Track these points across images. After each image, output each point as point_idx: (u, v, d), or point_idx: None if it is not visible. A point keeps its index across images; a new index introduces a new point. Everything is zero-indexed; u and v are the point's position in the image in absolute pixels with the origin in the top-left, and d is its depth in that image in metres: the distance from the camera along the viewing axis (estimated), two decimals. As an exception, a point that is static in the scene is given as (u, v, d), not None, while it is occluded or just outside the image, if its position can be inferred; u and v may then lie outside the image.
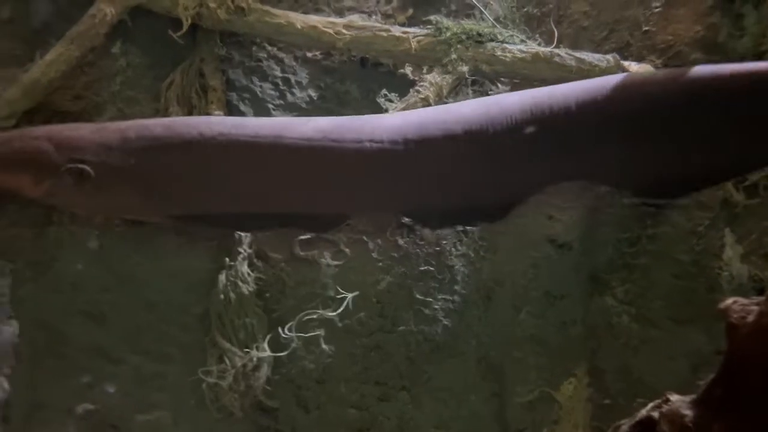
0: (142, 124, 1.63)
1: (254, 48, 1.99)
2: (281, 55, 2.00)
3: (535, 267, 1.71)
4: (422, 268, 1.73)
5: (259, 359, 1.52)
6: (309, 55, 1.98)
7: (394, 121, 1.56)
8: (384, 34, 1.73)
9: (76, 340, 1.62)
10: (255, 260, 1.70)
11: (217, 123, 1.62)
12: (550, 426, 1.61)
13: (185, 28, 1.70)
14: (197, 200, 1.60)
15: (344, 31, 1.74)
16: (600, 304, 1.71)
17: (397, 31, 1.73)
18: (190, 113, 1.83)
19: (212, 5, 1.74)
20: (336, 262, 1.77)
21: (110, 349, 1.62)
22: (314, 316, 1.57)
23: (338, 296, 1.67)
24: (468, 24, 1.70)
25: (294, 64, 2.00)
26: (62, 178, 1.55)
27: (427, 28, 1.76)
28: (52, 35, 1.84)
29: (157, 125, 1.62)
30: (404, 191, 1.57)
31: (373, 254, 1.78)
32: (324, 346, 1.66)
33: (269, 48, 1.99)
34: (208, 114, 1.77)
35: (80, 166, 1.55)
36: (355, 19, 1.75)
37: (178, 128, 1.61)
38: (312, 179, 1.55)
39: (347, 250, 1.79)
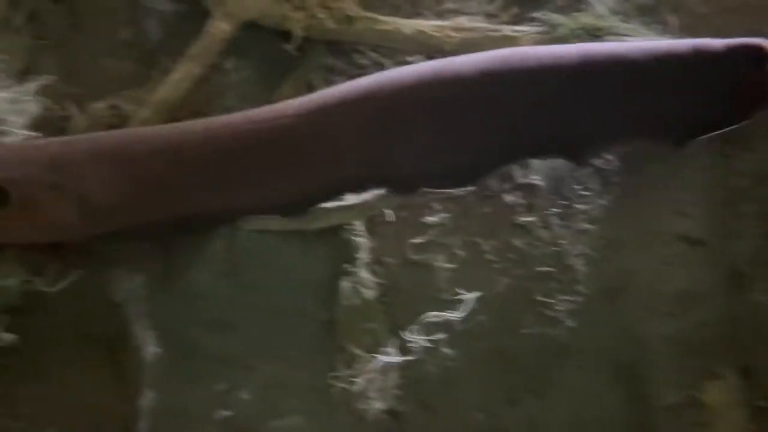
0: (66, 140, 1.57)
1: (356, 55, 2.02)
2: (383, 60, 2.01)
3: (667, 265, 1.67)
4: (541, 269, 1.71)
5: (387, 363, 1.56)
6: (410, 59, 2.02)
7: None
8: (494, 34, 1.72)
9: (207, 348, 1.67)
10: (373, 265, 1.75)
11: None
12: (699, 430, 1.59)
13: (297, 40, 1.75)
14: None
15: (453, 33, 1.74)
16: (745, 301, 1.65)
17: (507, 30, 1.72)
18: (302, 123, 1.90)
19: (320, 16, 1.79)
20: (450, 265, 1.77)
21: (241, 357, 1.67)
22: (437, 319, 1.59)
23: (457, 297, 1.68)
24: (584, 18, 1.66)
25: (395, 69, 2.05)
26: None
27: (538, 26, 1.74)
28: (163, 54, 1.93)
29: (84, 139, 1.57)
30: None
31: (487, 255, 1.78)
32: (445, 350, 1.68)
33: (372, 54, 2.03)
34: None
35: None
36: (463, 21, 1.76)
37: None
38: None
39: (461, 252, 1.80)
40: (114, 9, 1.88)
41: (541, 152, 1.63)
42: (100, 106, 1.66)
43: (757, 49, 1.55)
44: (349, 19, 1.74)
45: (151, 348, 1.64)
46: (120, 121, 1.69)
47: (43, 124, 1.68)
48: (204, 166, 1.57)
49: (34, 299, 1.55)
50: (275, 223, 1.71)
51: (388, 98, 1.58)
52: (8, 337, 1.45)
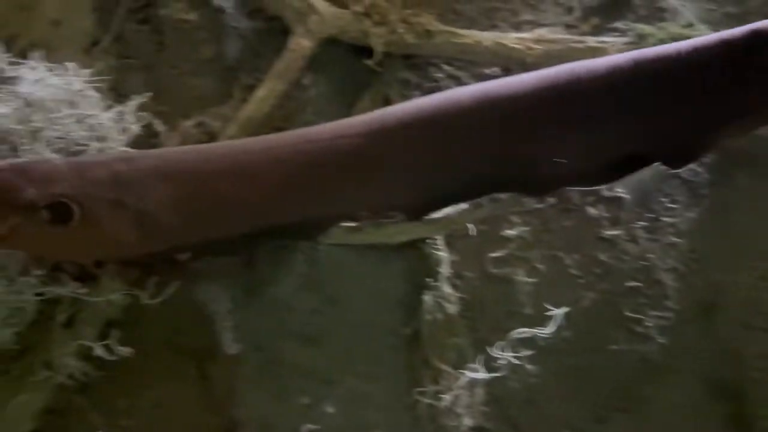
0: (129, 157, 1.55)
1: (431, 69, 2.03)
2: (459, 74, 2.02)
3: (764, 279, 1.63)
4: (628, 284, 1.68)
5: (474, 379, 1.54)
6: (487, 71, 2.02)
7: None
8: (579, 45, 1.70)
9: (292, 362, 1.68)
10: (454, 280, 1.74)
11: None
12: (812, 453, 1.52)
13: (378, 55, 1.77)
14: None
15: (534, 45, 1.72)
16: None
17: (592, 41, 1.70)
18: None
19: (400, 31, 1.80)
20: (531, 279, 1.75)
21: (325, 371, 1.68)
22: (524, 335, 1.57)
23: (541, 312, 1.65)
24: (672, 27, 1.63)
25: (471, 82, 2.03)
26: (34, 216, 1.40)
27: (624, 36, 1.72)
28: (242, 71, 1.97)
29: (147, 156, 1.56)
30: None
31: (571, 270, 1.75)
32: (530, 366, 1.65)
33: (447, 68, 2.03)
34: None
35: (64, 200, 1.40)
36: (544, 32, 1.75)
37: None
38: None
39: (542, 266, 1.78)
40: (196, 28, 1.94)
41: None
42: (188, 123, 1.71)
43: None
44: (429, 34, 1.74)
45: (236, 360, 1.68)
46: (208, 138, 1.73)
47: (132, 143, 1.74)
48: (269, 186, 1.55)
49: (128, 313, 1.59)
50: (356, 237, 1.74)
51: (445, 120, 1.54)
52: (125, 350, 1.46)
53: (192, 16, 1.93)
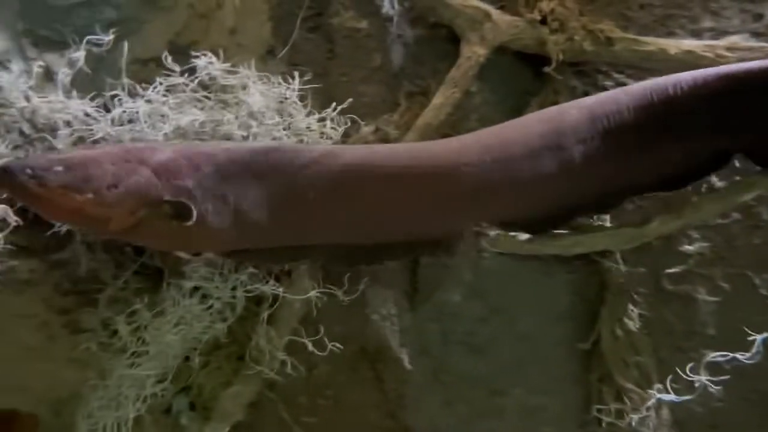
0: (227, 148, 1.54)
1: (600, 76, 1.99)
2: (629, 81, 1.97)
3: None
4: (828, 309, 1.59)
5: (661, 400, 1.48)
6: (661, 79, 1.95)
7: None
8: (778, 54, 1.64)
9: (458, 369, 1.69)
10: (632, 295, 1.69)
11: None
12: None
13: (556, 63, 1.73)
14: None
15: (727, 53, 1.64)
16: None
17: (791, 49, 1.63)
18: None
19: (577, 38, 1.77)
20: (713, 298, 1.68)
21: (492, 381, 1.67)
22: (723, 358, 1.47)
23: (730, 335, 1.57)
24: None
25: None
26: (159, 210, 1.43)
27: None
28: (406, 78, 2.00)
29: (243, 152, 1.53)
30: None
31: (761, 290, 1.67)
32: (715, 389, 1.57)
33: (617, 76, 1.97)
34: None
35: (183, 201, 1.42)
36: (736, 40, 1.66)
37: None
38: None
39: (726, 285, 1.69)
40: (366, 36, 1.98)
41: None
42: (366, 129, 1.75)
43: None
44: (609, 41, 1.70)
45: (406, 365, 1.69)
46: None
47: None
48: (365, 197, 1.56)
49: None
50: (528, 247, 1.71)
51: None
52: (336, 346, 1.50)
53: (362, 25, 1.98)
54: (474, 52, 1.77)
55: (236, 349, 1.54)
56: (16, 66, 1.74)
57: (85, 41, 1.67)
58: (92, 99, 1.63)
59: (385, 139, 1.77)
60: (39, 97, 1.46)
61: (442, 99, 1.69)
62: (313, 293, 1.48)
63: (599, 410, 1.54)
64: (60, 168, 1.41)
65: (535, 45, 1.80)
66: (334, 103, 1.68)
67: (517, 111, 1.93)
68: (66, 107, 1.47)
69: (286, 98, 1.56)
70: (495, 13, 1.81)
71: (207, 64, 1.69)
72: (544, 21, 1.79)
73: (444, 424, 1.65)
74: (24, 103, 1.43)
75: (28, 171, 1.39)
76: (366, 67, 1.96)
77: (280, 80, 1.75)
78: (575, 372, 1.65)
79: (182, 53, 1.88)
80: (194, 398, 1.44)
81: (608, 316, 1.60)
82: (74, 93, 1.66)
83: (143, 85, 1.76)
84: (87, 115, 1.49)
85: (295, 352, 1.54)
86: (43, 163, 1.41)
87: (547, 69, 1.74)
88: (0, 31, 1.65)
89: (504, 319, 1.74)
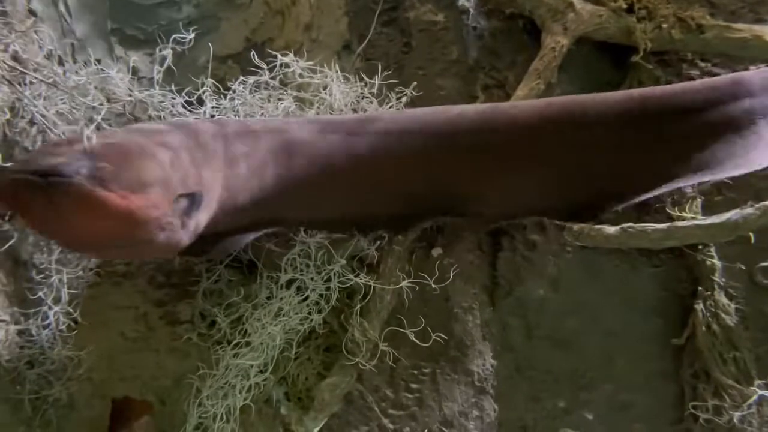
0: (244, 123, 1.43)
1: (684, 65, 1.94)
2: (716, 70, 1.90)
3: None
4: None
5: (762, 397, 1.44)
6: (752, 68, 1.88)
7: None
8: None
9: (543, 364, 1.67)
10: (727, 289, 1.64)
11: None
12: None
13: (643, 52, 1.68)
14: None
15: (824, 39, 1.60)
16: None
17: None
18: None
19: (665, 26, 1.73)
20: (812, 293, 1.63)
21: (579, 375, 1.65)
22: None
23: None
24: None
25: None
26: (176, 205, 1.22)
27: None
28: (481, 71, 1.97)
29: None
30: None
31: None
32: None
33: (702, 64, 1.93)
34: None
35: (195, 191, 1.23)
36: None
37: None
38: None
39: (827, 279, 1.64)
40: (443, 29, 1.97)
41: None
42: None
43: None
44: (700, 28, 1.66)
45: (488, 358, 1.68)
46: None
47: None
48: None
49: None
50: (615, 240, 1.68)
51: None
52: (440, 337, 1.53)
53: (439, 18, 1.96)
54: (557, 43, 1.74)
55: (323, 341, 1.56)
56: (108, 64, 1.80)
57: (171, 39, 1.70)
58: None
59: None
60: (139, 91, 1.50)
61: (525, 91, 1.67)
62: (404, 283, 1.49)
63: (695, 407, 1.51)
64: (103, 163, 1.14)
65: (620, 34, 1.76)
66: (407, 97, 1.68)
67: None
68: (163, 101, 1.50)
69: (364, 96, 1.56)
70: (578, 2, 1.78)
71: (291, 62, 1.72)
72: (630, 9, 1.76)
73: (531, 418, 1.63)
74: (128, 97, 1.47)
75: (84, 170, 1.11)
76: (443, 60, 1.95)
77: (359, 77, 1.77)
78: (665, 367, 1.62)
79: (258, 50, 1.94)
80: (288, 389, 1.47)
81: (703, 310, 1.56)
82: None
83: (230, 80, 1.82)
84: (184, 107, 1.52)
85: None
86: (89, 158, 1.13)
87: (635, 58, 1.70)
88: (94, 32, 1.70)
89: (589, 313, 1.71)
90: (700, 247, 1.60)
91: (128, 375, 1.43)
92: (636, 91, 1.62)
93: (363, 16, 1.97)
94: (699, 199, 1.63)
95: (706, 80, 1.72)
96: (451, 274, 1.54)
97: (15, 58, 1.34)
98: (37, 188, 1.09)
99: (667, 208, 1.67)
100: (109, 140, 1.20)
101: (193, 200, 1.23)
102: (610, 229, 1.67)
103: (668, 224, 1.59)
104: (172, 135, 1.27)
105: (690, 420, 1.54)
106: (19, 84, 1.26)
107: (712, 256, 1.59)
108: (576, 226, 1.69)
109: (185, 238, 1.23)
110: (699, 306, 1.56)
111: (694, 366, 1.56)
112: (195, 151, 1.27)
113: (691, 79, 1.94)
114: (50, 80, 1.35)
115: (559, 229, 1.75)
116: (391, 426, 1.56)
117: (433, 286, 1.52)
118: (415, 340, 1.49)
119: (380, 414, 1.52)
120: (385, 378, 1.57)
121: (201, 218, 1.25)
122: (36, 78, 1.28)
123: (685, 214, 1.60)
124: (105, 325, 1.42)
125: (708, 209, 1.68)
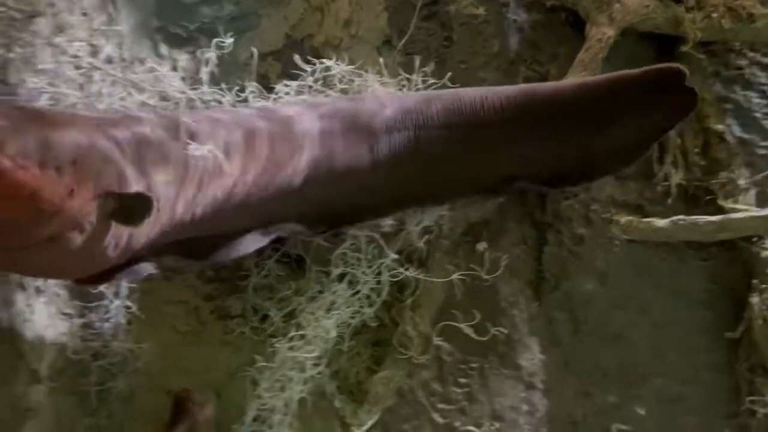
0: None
1: (732, 56, 1.90)
2: (764, 60, 1.89)
3: None
4: None
5: (823, 393, 1.42)
6: (808, 58, 1.86)
7: None
8: None
9: (592, 358, 1.66)
10: (772, 283, 1.61)
11: None
12: None
13: (692, 42, 1.67)
14: None
15: None
16: None
17: None
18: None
19: (715, 15, 1.71)
20: None
21: (629, 370, 1.64)
22: None
23: None
24: None
25: (781, 69, 1.89)
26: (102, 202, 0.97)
27: None
28: (523, 64, 1.94)
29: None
30: None
31: None
32: None
33: (751, 55, 1.90)
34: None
35: (143, 192, 1.00)
36: None
37: None
38: None
39: None
40: (484, 22, 1.96)
41: None
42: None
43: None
44: (751, 17, 1.64)
45: (536, 353, 1.67)
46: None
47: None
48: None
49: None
50: (662, 233, 1.67)
51: None
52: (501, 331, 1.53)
53: (480, 11, 1.95)
54: (603, 34, 1.72)
55: (372, 335, 1.56)
56: (151, 63, 1.82)
57: (213, 44, 1.67)
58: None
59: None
60: (190, 89, 1.51)
61: (573, 82, 1.67)
62: (455, 276, 1.48)
63: (753, 401, 1.49)
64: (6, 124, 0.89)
65: (667, 25, 1.74)
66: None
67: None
68: (214, 99, 1.50)
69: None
70: (623, -7, 1.80)
71: (332, 65, 1.70)
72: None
73: (580, 414, 1.62)
74: (179, 95, 1.48)
75: None
76: (484, 53, 1.93)
77: (399, 76, 1.77)
78: (717, 360, 1.61)
79: (298, 46, 1.95)
80: (340, 382, 1.47)
81: (759, 303, 1.53)
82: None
83: (271, 77, 1.81)
84: (233, 106, 1.52)
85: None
86: None
87: (684, 48, 1.68)
88: (141, 30, 1.71)
89: (637, 307, 1.69)
90: (754, 239, 1.58)
91: (181, 368, 1.44)
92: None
93: (403, 11, 1.96)
94: (753, 191, 1.61)
95: None
96: (501, 266, 1.53)
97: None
98: None
99: (718, 201, 1.65)
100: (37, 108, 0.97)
101: (133, 205, 0.98)
102: (660, 222, 1.67)
103: (721, 216, 1.58)
104: (138, 127, 1.05)
105: (747, 414, 1.52)
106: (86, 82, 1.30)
107: (766, 249, 1.57)
108: (624, 219, 1.69)
109: (111, 252, 0.99)
110: (755, 299, 1.53)
111: (750, 360, 1.54)
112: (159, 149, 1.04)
113: (740, 69, 1.96)
114: (113, 78, 1.37)
115: (606, 222, 1.76)
116: (441, 420, 1.55)
117: (485, 276, 1.51)
118: (470, 334, 1.48)
119: (430, 408, 1.52)
120: (434, 372, 1.56)
121: (140, 232, 1.00)
122: (108, 75, 1.30)
123: (738, 206, 1.58)
124: (159, 319, 1.44)
125: (762, 201, 1.67)
